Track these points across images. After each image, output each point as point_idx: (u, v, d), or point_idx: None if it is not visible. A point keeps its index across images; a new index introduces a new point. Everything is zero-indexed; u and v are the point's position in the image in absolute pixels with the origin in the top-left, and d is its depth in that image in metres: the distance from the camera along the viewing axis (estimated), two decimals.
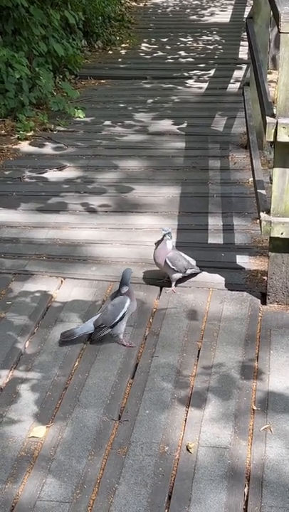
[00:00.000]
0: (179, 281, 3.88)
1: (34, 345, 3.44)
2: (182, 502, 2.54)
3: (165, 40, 9.95)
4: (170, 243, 3.84)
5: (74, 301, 3.78)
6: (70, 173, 5.56)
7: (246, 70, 7.85)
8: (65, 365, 3.27)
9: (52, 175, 5.52)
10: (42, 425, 2.89)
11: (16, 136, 6.28)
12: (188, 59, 8.95)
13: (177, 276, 3.83)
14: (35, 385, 3.15)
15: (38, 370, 3.24)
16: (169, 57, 9.06)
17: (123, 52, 9.49)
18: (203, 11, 11.77)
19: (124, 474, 2.64)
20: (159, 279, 3.93)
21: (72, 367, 3.26)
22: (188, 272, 3.89)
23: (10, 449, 2.77)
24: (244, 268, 4.05)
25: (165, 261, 3.79)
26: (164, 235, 3.81)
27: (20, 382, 3.17)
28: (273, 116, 3.43)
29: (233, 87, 7.68)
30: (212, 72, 8.32)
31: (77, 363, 3.28)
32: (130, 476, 2.64)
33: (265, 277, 3.84)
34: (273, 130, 3.37)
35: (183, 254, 3.92)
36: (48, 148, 6.08)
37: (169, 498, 2.56)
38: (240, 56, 8.90)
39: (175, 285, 3.86)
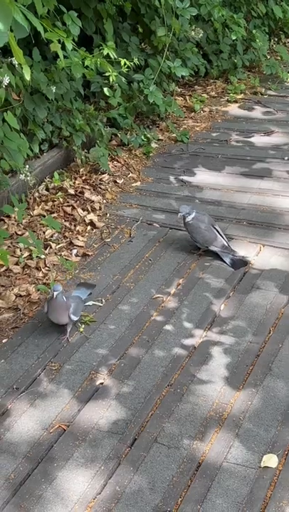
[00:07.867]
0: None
1: (229, 308, 3.45)
2: None
3: None
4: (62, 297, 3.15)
5: (272, 269, 3.74)
6: (277, 138, 5.45)
7: None
8: (259, 332, 3.25)
9: (259, 139, 5.44)
10: (273, 454, 2.58)
11: (226, 98, 6.25)
12: None
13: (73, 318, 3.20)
14: (227, 348, 3.16)
15: (232, 334, 3.25)
16: None
17: None
18: None
19: None
20: None
21: (266, 335, 3.23)
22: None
23: (200, 407, 2.81)
24: None
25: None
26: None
27: (213, 344, 3.20)
28: None
29: None
30: None
31: (271, 332, 3.25)
32: None
33: None
34: None
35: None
36: (257, 112, 5.99)
37: None
38: None
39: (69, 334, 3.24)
